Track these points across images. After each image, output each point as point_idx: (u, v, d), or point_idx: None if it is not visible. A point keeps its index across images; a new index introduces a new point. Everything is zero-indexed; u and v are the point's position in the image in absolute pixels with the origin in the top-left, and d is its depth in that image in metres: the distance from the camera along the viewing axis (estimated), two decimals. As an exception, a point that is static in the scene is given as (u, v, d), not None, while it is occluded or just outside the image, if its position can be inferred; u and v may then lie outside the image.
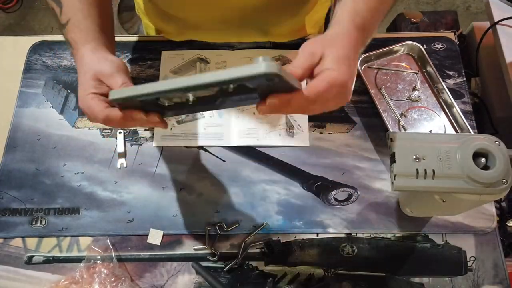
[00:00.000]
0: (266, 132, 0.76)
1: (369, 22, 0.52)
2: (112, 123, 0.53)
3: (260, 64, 0.38)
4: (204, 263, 0.69)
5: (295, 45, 0.85)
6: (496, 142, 0.53)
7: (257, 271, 0.68)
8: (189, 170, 0.74)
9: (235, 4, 0.75)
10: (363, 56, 0.80)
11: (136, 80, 0.81)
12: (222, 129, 0.77)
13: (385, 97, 0.79)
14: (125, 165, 0.75)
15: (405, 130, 0.76)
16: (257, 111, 0.47)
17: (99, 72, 0.54)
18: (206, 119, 0.78)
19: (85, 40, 0.58)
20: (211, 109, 0.51)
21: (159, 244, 0.70)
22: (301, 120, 0.78)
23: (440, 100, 0.79)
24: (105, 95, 0.53)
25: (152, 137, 0.77)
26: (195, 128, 0.77)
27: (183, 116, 0.78)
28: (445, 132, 0.76)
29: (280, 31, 0.84)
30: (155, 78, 0.81)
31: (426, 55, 0.80)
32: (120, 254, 0.69)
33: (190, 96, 0.44)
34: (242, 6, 0.76)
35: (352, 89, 0.50)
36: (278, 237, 0.70)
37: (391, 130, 0.75)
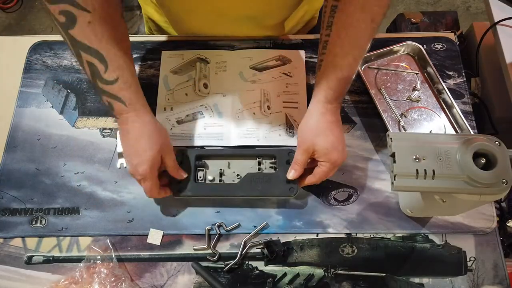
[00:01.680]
0: (266, 132, 0.76)
1: (340, 90, 0.64)
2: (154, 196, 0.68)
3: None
4: (204, 263, 0.69)
5: (295, 45, 0.85)
6: (496, 143, 0.53)
7: (257, 271, 0.68)
8: (189, 170, 0.74)
9: None
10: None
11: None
12: (222, 129, 0.77)
13: (385, 97, 0.79)
14: (125, 165, 0.74)
15: (405, 130, 0.76)
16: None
17: (163, 148, 0.64)
18: (206, 119, 0.78)
19: (141, 102, 0.64)
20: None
21: (159, 244, 0.70)
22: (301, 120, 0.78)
23: (440, 100, 0.79)
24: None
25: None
26: (195, 128, 0.77)
27: (183, 116, 0.78)
28: (445, 132, 0.76)
29: (273, 22, 0.84)
30: (155, 78, 0.81)
31: (426, 55, 0.80)
32: (120, 254, 0.69)
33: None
34: (233, 13, 0.77)
35: (344, 156, 0.65)
36: (278, 237, 0.70)
37: (391, 130, 0.75)
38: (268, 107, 0.78)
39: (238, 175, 0.71)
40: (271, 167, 0.72)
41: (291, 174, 0.67)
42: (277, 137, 0.76)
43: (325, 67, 0.64)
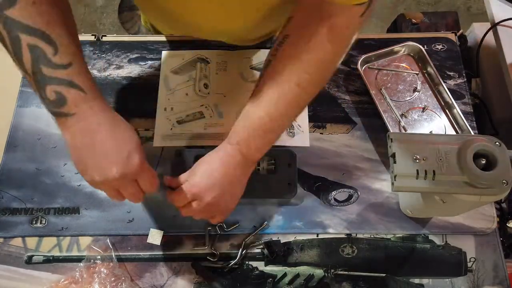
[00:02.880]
0: None
1: (245, 137, 0.57)
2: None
3: None
4: (204, 263, 0.69)
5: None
6: (497, 143, 0.53)
7: (257, 271, 0.68)
8: (189, 170, 0.74)
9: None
10: (363, 56, 0.80)
11: (136, 79, 0.81)
12: (223, 129, 0.77)
13: (386, 97, 0.79)
14: (125, 165, 0.74)
15: (405, 130, 0.76)
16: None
17: (128, 175, 0.51)
18: (207, 119, 0.78)
19: (95, 91, 0.50)
20: None
21: (159, 244, 0.70)
22: (301, 120, 0.78)
23: (441, 100, 0.79)
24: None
25: (152, 138, 0.77)
26: (195, 128, 0.77)
27: (184, 116, 0.78)
28: (445, 133, 0.76)
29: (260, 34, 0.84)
30: (155, 78, 0.81)
31: (427, 55, 0.80)
32: (120, 254, 0.69)
33: None
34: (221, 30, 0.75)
35: (211, 198, 0.58)
36: (278, 237, 0.70)
37: (391, 131, 0.75)
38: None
39: None
40: (270, 168, 0.72)
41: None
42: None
43: (243, 110, 0.58)
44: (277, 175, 0.70)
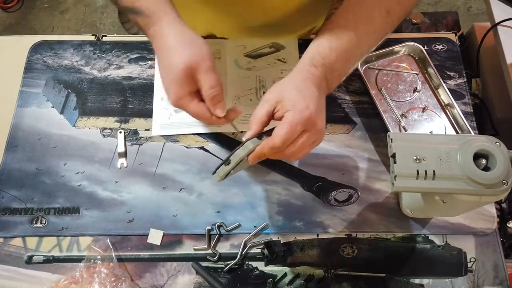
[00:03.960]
0: None
1: (331, 60, 0.53)
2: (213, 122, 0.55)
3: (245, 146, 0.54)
4: (204, 263, 0.69)
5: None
6: (497, 143, 0.53)
7: (257, 272, 0.68)
8: (190, 170, 0.74)
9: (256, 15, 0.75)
10: (363, 56, 0.80)
11: (136, 79, 0.81)
12: None
13: (386, 97, 0.79)
14: (125, 165, 0.75)
15: (405, 131, 0.76)
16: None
17: (193, 66, 0.50)
18: None
19: (161, 9, 0.52)
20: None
21: (159, 244, 0.70)
22: None
23: (441, 101, 0.79)
24: (198, 89, 0.52)
25: (152, 137, 0.77)
26: None
27: None
28: (445, 133, 0.76)
29: (283, 36, 0.85)
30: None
31: (427, 56, 0.80)
32: (120, 254, 0.69)
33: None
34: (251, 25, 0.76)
35: (321, 121, 0.53)
36: (278, 238, 0.70)
37: (391, 131, 0.75)
38: (264, 93, 0.79)
39: None
40: None
41: (246, 135, 0.53)
42: (274, 121, 0.77)
43: (322, 33, 0.55)
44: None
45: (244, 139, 0.54)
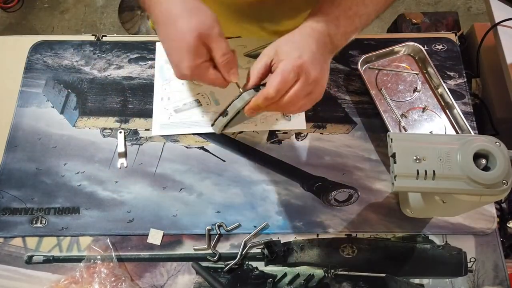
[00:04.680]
0: (263, 116, 0.77)
1: (334, 16, 0.53)
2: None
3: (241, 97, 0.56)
4: (204, 263, 0.69)
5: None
6: (497, 143, 0.53)
7: (257, 272, 0.68)
8: (190, 170, 0.74)
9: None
10: (364, 56, 0.80)
11: (136, 79, 0.81)
12: None
13: (386, 97, 0.79)
14: (125, 165, 0.75)
15: (405, 130, 0.76)
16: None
17: (203, 34, 0.49)
18: (203, 107, 0.78)
19: None
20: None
21: (159, 244, 0.70)
22: None
23: (441, 101, 0.79)
24: (211, 58, 0.52)
25: (152, 137, 0.77)
26: (193, 116, 0.78)
27: (180, 105, 0.78)
28: (445, 133, 0.76)
29: (277, 28, 0.85)
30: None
31: (427, 56, 0.80)
32: (120, 254, 0.69)
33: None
34: (241, 2, 0.76)
35: (316, 72, 0.51)
36: (278, 238, 0.70)
37: (391, 131, 0.75)
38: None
39: None
40: None
41: (246, 86, 0.54)
42: (274, 121, 0.78)
43: None
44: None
45: (241, 90, 0.54)
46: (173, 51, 0.52)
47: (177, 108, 0.78)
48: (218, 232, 0.70)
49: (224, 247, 0.70)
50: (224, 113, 0.58)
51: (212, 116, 0.78)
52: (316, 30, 0.53)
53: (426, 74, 0.81)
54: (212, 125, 0.60)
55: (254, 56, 0.82)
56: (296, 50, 0.50)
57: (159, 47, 0.83)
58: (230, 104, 0.57)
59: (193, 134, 0.77)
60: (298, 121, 0.78)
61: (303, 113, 0.78)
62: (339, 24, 0.54)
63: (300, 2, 0.82)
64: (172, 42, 0.51)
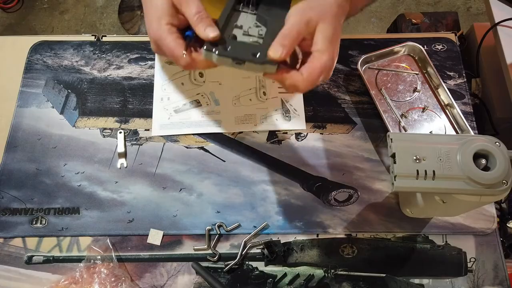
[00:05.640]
0: (263, 117, 0.77)
1: None
2: (179, 63, 0.51)
3: None
4: (204, 264, 0.69)
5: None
6: (497, 143, 0.53)
7: (257, 272, 0.68)
8: (190, 170, 0.74)
9: None
10: (363, 56, 0.80)
11: (136, 80, 0.81)
12: (220, 116, 0.77)
13: (386, 97, 0.79)
14: (125, 165, 0.75)
15: (405, 131, 0.76)
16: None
17: (176, 0, 0.49)
18: (203, 107, 0.78)
19: None
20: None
21: (159, 244, 0.70)
22: (297, 104, 0.79)
23: (441, 101, 0.79)
24: (179, 26, 0.51)
25: (152, 138, 0.77)
26: (193, 116, 0.78)
27: (180, 105, 0.78)
28: (445, 133, 0.76)
29: None
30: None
31: (427, 56, 0.80)
32: (120, 254, 0.69)
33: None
34: None
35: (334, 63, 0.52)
36: (278, 238, 0.70)
37: (391, 131, 0.75)
38: (264, 93, 0.79)
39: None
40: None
41: (278, 52, 0.48)
42: (274, 122, 0.78)
43: None
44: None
45: (272, 55, 0.48)
46: (146, 16, 0.51)
47: (177, 108, 0.78)
48: (218, 232, 0.70)
49: (224, 247, 0.70)
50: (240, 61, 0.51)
51: (212, 116, 0.78)
52: (341, 5, 0.52)
53: (426, 74, 0.81)
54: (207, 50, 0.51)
55: None
56: (333, 45, 0.50)
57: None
58: (249, 59, 0.50)
59: (193, 134, 0.77)
60: (298, 122, 0.78)
61: (303, 113, 0.78)
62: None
63: None
64: (146, 8, 0.51)
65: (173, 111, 0.78)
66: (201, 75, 0.81)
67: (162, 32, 0.50)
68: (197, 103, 0.79)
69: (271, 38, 0.50)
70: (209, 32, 0.48)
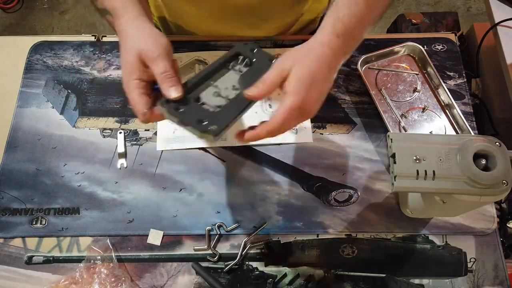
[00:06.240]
0: None
1: (352, 28, 0.53)
2: (139, 118, 0.53)
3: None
4: (204, 264, 0.69)
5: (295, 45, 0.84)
6: (497, 143, 0.53)
7: (257, 272, 0.68)
8: (190, 171, 0.74)
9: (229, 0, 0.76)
10: (363, 56, 0.80)
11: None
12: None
13: (386, 98, 0.79)
14: (125, 165, 0.75)
15: (405, 131, 0.76)
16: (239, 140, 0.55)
17: (143, 53, 0.52)
18: None
19: (125, 8, 0.57)
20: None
21: (159, 244, 0.70)
22: None
23: (441, 101, 0.79)
24: (148, 80, 0.53)
25: (152, 138, 0.77)
26: None
27: None
28: (445, 133, 0.76)
29: (270, 27, 0.86)
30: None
31: (427, 56, 0.80)
32: (120, 254, 0.69)
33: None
34: (236, 3, 0.77)
35: (317, 107, 0.53)
36: (278, 238, 0.70)
37: (391, 131, 0.75)
38: (270, 106, 0.79)
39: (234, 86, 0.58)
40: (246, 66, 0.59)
41: (251, 91, 0.52)
42: (281, 135, 0.76)
43: (337, 2, 0.55)
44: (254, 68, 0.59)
45: (249, 93, 0.52)
46: (122, 65, 0.55)
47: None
48: (218, 233, 0.70)
49: (224, 248, 0.70)
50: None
51: None
52: (335, 48, 0.53)
53: (426, 74, 0.81)
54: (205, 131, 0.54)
55: None
56: (306, 86, 0.51)
57: None
58: (235, 116, 0.54)
59: (199, 148, 0.76)
60: (305, 135, 0.77)
61: (310, 126, 0.78)
62: (355, 34, 0.54)
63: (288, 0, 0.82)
64: (121, 59, 0.55)
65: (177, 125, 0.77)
66: None
67: (128, 87, 0.52)
68: None
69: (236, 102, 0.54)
70: (171, 92, 0.51)
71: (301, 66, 0.51)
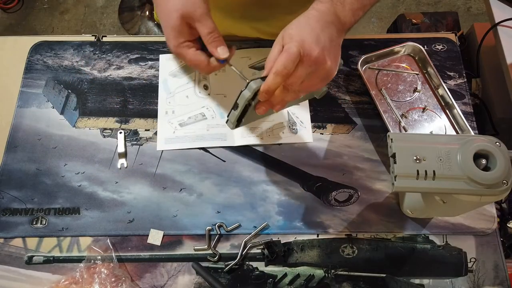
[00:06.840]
0: (269, 130, 0.77)
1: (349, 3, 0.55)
2: (203, 71, 0.58)
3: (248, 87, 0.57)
4: (204, 264, 0.69)
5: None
6: (497, 143, 0.53)
7: (257, 272, 0.68)
8: (190, 171, 0.74)
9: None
10: (363, 57, 0.80)
11: (136, 80, 0.81)
12: (225, 130, 0.77)
13: (386, 98, 0.79)
14: (125, 165, 0.75)
15: (405, 131, 0.76)
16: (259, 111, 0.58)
17: (187, 15, 0.53)
18: (209, 120, 0.78)
19: None
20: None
21: (159, 244, 0.70)
22: (303, 116, 0.78)
23: (441, 101, 0.79)
24: (195, 39, 0.56)
25: (152, 138, 0.77)
26: (198, 130, 0.77)
27: (185, 119, 0.78)
28: (445, 133, 0.76)
29: (269, 30, 0.86)
30: (155, 78, 0.81)
31: (427, 56, 0.80)
32: (120, 254, 0.69)
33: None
34: (235, 3, 0.77)
35: (320, 52, 0.52)
36: (278, 238, 0.70)
37: (391, 131, 0.75)
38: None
39: None
40: None
41: (263, 74, 0.54)
42: (281, 135, 0.76)
43: None
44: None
45: (248, 80, 0.55)
46: (164, 29, 0.56)
47: (182, 122, 0.77)
48: (218, 233, 0.70)
49: (224, 248, 0.70)
50: (235, 106, 0.58)
51: (217, 130, 0.77)
52: (320, 10, 0.54)
53: (426, 74, 0.81)
54: (227, 121, 0.61)
55: (259, 68, 0.81)
56: (299, 33, 0.52)
57: (162, 59, 0.83)
58: (239, 96, 0.58)
59: (199, 148, 0.76)
60: (305, 134, 0.77)
61: (310, 126, 0.78)
62: (345, 1, 0.55)
63: (292, 4, 0.82)
64: (162, 21, 0.56)
65: (178, 125, 0.77)
66: (205, 87, 0.80)
67: (181, 50, 0.55)
68: (202, 116, 0.78)
69: None
70: (221, 53, 0.55)
71: (290, 26, 0.53)
